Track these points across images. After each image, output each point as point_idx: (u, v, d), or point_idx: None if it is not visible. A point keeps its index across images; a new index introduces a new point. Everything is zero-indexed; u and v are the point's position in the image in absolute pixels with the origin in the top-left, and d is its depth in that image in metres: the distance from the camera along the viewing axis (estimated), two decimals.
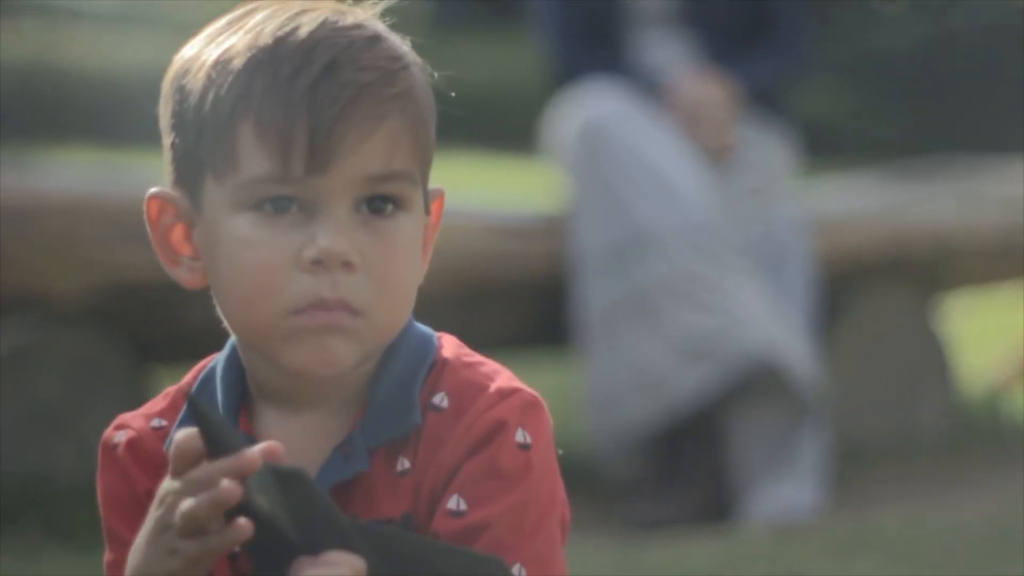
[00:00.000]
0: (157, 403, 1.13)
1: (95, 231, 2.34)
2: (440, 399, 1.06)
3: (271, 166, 1.02)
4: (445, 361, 1.08)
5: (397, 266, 1.06)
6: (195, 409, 0.96)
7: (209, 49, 1.06)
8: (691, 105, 3.20)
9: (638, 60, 3.35)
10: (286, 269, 1.02)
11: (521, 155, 4.19)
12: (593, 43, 3.38)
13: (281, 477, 0.95)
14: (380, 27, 1.09)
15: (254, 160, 1.02)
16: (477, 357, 1.10)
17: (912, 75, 11.87)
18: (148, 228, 1.09)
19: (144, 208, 1.09)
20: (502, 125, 9.81)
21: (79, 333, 2.37)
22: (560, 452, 1.08)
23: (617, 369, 3.04)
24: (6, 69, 10.06)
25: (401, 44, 1.09)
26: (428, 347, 1.09)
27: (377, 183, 1.04)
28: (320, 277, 1.02)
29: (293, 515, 0.95)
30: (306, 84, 1.02)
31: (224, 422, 0.99)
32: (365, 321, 1.04)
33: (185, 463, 0.95)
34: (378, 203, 1.05)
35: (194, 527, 0.94)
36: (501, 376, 1.07)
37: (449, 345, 1.10)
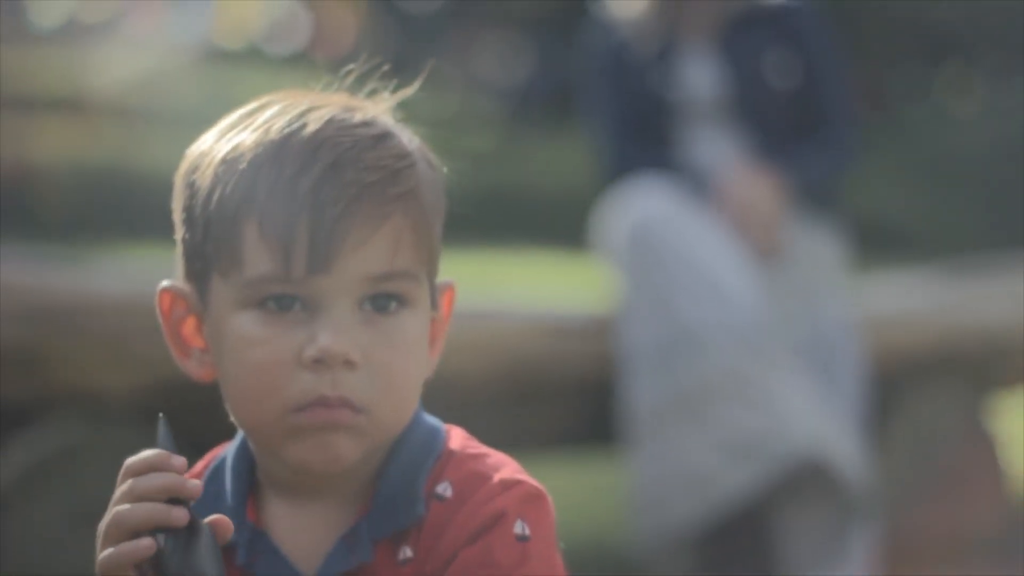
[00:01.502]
0: None
1: (146, 329, 2.40)
2: (444, 488, 1.07)
3: (274, 265, 1.04)
4: (451, 453, 1.10)
5: (400, 363, 1.07)
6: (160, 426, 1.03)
7: (219, 145, 1.08)
8: (740, 203, 3.21)
9: (687, 156, 3.36)
10: (289, 367, 1.04)
11: (578, 253, 4.24)
12: (642, 141, 3.40)
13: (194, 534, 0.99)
14: (389, 123, 1.10)
15: (258, 259, 1.04)
16: (483, 449, 1.11)
17: (982, 176, 11.85)
18: (160, 320, 1.12)
19: (156, 301, 1.11)
20: (563, 222, 9.90)
21: (127, 431, 2.40)
22: (562, 546, 1.08)
23: (665, 468, 3.02)
24: (82, 169, 10.26)
25: (410, 141, 1.11)
26: (435, 440, 1.11)
27: (379, 282, 1.06)
28: (322, 375, 1.03)
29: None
30: (309, 184, 1.03)
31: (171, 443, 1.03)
32: (368, 418, 1.05)
33: (140, 469, 1.01)
34: (381, 301, 1.06)
35: (117, 534, 0.99)
36: (506, 468, 1.08)
37: (456, 437, 1.12)
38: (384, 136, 1.08)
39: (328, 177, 1.03)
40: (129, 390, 2.47)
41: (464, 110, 16.85)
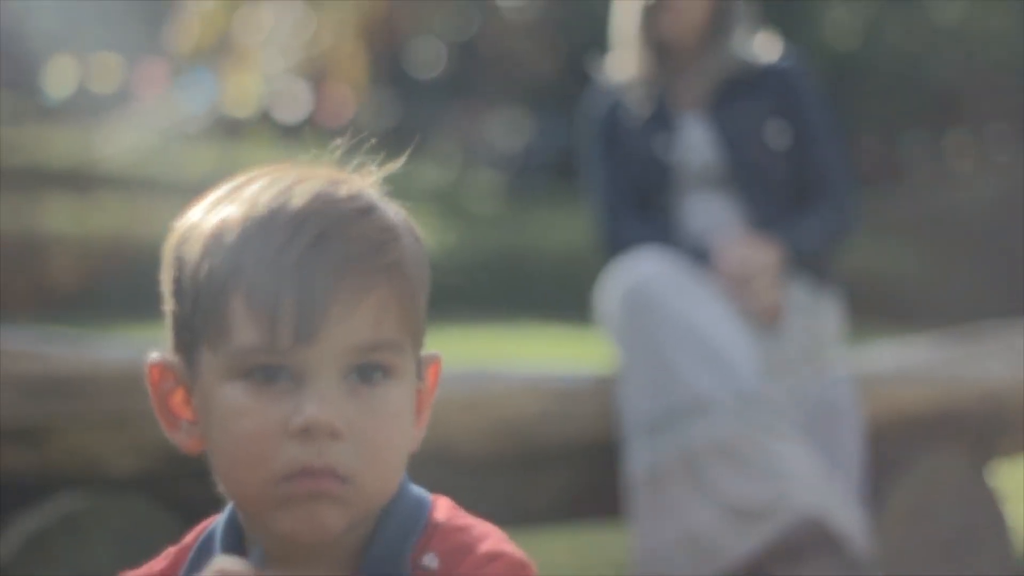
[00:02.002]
0: (158, 563, 1.17)
1: (148, 401, 2.42)
2: (430, 559, 1.08)
3: (261, 336, 1.05)
4: (437, 524, 1.11)
5: (385, 434, 1.08)
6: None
7: (206, 218, 1.10)
8: (738, 270, 3.21)
9: (684, 222, 3.37)
10: (275, 438, 1.05)
11: (580, 318, 4.24)
12: (639, 210, 3.41)
13: None
14: (374, 197, 1.12)
15: (244, 330, 1.05)
16: (470, 520, 1.12)
17: (981, 231, 11.90)
18: (150, 392, 1.13)
19: (146, 372, 1.13)
20: (565, 286, 9.93)
21: (129, 501, 2.42)
22: None
23: (665, 532, 3.01)
24: (88, 241, 10.29)
25: (395, 214, 1.13)
26: (421, 511, 1.12)
27: (364, 353, 1.07)
28: (308, 445, 1.04)
29: None
30: (295, 257, 1.04)
31: None
32: (353, 488, 1.06)
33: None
34: (366, 372, 1.07)
35: None
36: (491, 539, 1.09)
37: (442, 508, 1.13)
38: (369, 209, 1.10)
39: (314, 250, 1.05)
40: (131, 461, 2.49)
41: (465, 177, 16.93)
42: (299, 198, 1.07)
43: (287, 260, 1.05)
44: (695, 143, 3.39)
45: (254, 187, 1.10)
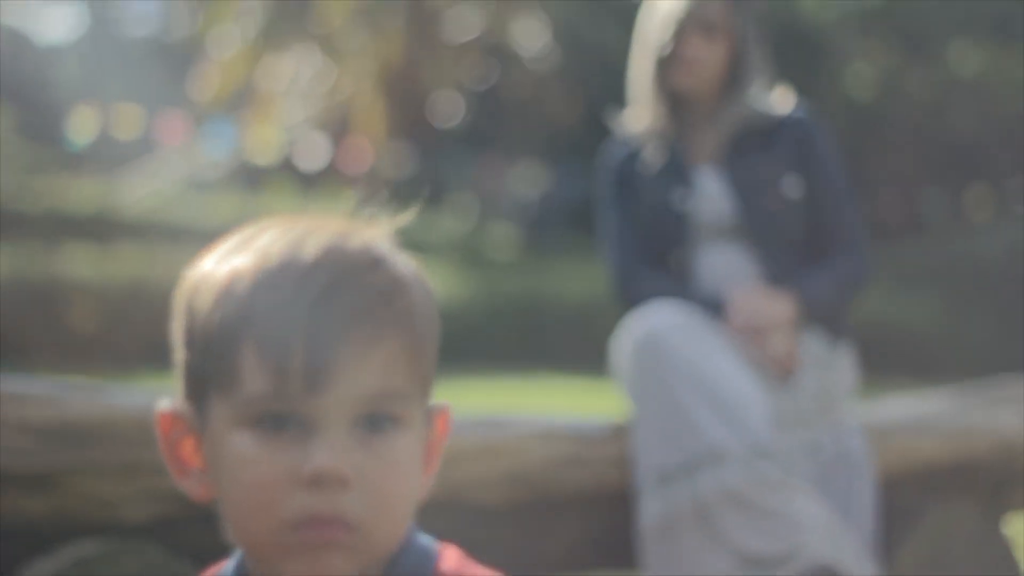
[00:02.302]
0: None
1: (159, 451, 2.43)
2: None
3: (270, 386, 1.06)
4: (444, 574, 1.12)
5: (394, 483, 1.09)
6: None
7: (218, 268, 1.11)
8: (752, 322, 3.22)
9: (699, 276, 3.38)
10: (284, 486, 1.06)
11: (600, 374, 4.23)
12: (654, 262, 3.42)
13: None
14: (385, 248, 1.14)
15: (254, 379, 1.06)
16: (478, 570, 1.13)
17: (999, 282, 11.90)
18: (159, 440, 1.15)
19: (155, 421, 1.15)
20: (585, 343, 9.94)
21: (142, 547, 2.43)
22: None
23: None
24: (109, 290, 10.33)
25: (405, 265, 1.14)
26: (428, 560, 1.13)
27: (373, 403, 1.08)
28: (317, 494, 1.06)
29: None
30: (305, 308, 1.06)
31: None
32: (362, 536, 1.07)
33: None
34: (375, 421, 1.09)
35: None
36: None
37: (451, 558, 1.14)
38: (378, 261, 1.11)
39: (323, 301, 1.07)
40: (145, 508, 2.50)
41: (484, 227, 16.97)
42: (310, 249, 1.09)
43: (297, 311, 1.06)
44: (710, 195, 3.40)
45: (265, 237, 1.12)
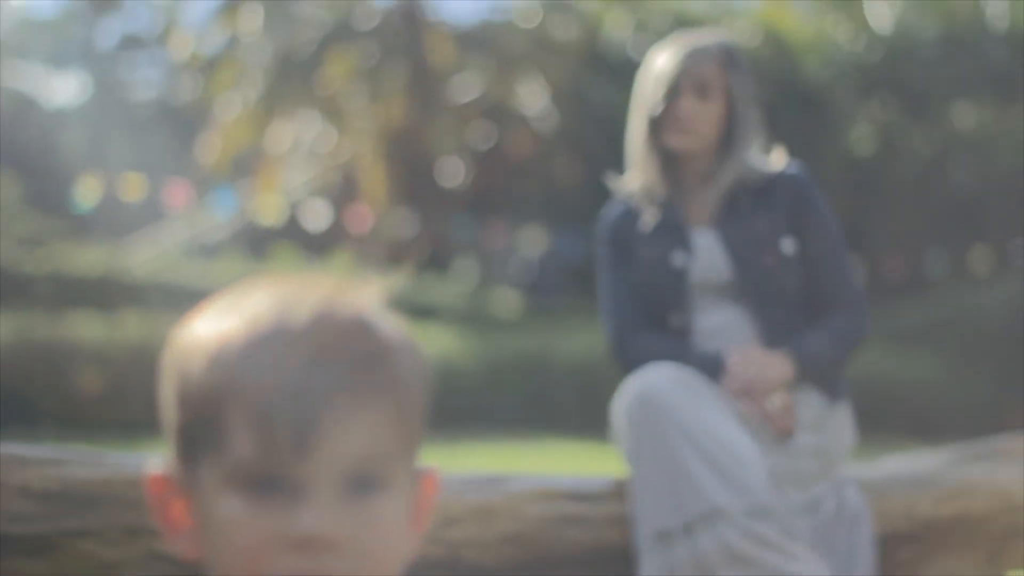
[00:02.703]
0: None
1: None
2: None
3: (258, 449, 1.07)
4: None
5: (380, 545, 1.10)
6: None
7: (207, 330, 1.12)
8: (749, 382, 3.22)
9: (696, 336, 3.38)
10: (271, 549, 1.06)
11: (601, 436, 4.21)
12: (650, 323, 3.43)
13: None
14: (374, 312, 1.14)
15: (242, 442, 1.07)
16: None
17: (1002, 339, 11.90)
18: (150, 502, 1.15)
19: (146, 482, 1.16)
20: (587, 404, 9.94)
21: None
22: None
23: None
24: (114, 353, 10.35)
25: (393, 329, 1.15)
26: None
27: (360, 466, 1.09)
28: (304, 557, 1.06)
29: None
30: (292, 371, 1.07)
31: None
32: None
33: None
34: (362, 484, 1.09)
35: None
36: None
37: None
38: (366, 326, 1.12)
39: (311, 366, 1.08)
40: (144, 570, 2.52)
41: (485, 289, 17.00)
42: (298, 313, 1.10)
43: (285, 375, 1.07)
44: (706, 255, 3.41)
45: (254, 300, 1.13)
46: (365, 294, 1.16)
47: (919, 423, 10.52)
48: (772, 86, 18.58)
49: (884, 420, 10.22)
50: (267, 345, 1.09)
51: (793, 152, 3.58)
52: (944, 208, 17.27)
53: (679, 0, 22.58)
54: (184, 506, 1.14)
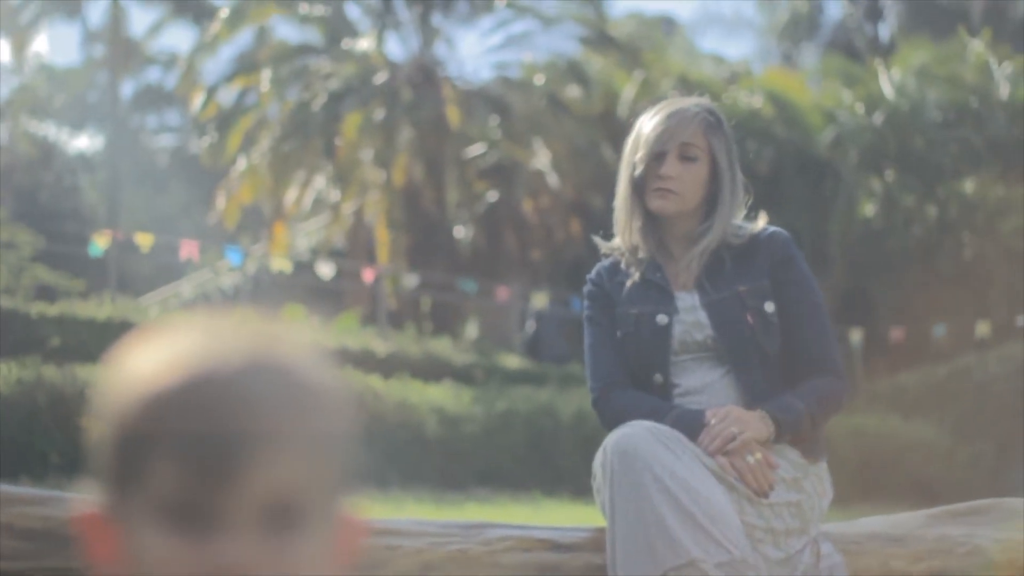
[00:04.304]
0: None
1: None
2: None
3: (180, 481, 1.09)
4: None
5: None
6: None
7: (136, 368, 1.15)
8: (727, 439, 3.22)
9: (676, 395, 3.41)
10: None
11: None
12: (632, 381, 3.46)
13: None
14: (303, 356, 1.17)
15: (164, 477, 1.10)
16: None
17: (1003, 399, 11.91)
18: (81, 539, 1.17)
19: (76, 521, 1.18)
20: (588, 463, 10.00)
21: None
22: None
23: None
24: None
25: (321, 373, 1.17)
26: None
27: (279, 501, 1.11)
28: None
29: None
30: (218, 409, 1.10)
31: None
32: None
33: None
34: (281, 521, 1.11)
35: None
36: None
37: None
38: (294, 369, 1.15)
39: (236, 404, 1.11)
40: None
41: (486, 346, 17.01)
42: (227, 354, 1.13)
43: (211, 412, 1.10)
44: (688, 316, 3.45)
45: (184, 339, 1.15)
46: (296, 337, 1.19)
47: (920, 487, 10.53)
48: (778, 151, 18.67)
49: (886, 483, 10.22)
50: (194, 384, 1.11)
51: (799, 217, 3.64)
52: (949, 275, 17.31)
53: (687, 64, 22.76)
54: (113, 543, 1.15)
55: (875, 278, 17.72)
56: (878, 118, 19.55)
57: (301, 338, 1.19)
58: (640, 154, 3.48)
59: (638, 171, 3.48)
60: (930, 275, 17.50)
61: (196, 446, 1.09)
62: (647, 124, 3.51)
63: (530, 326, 17.93)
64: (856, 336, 15.56)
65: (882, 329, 16.37)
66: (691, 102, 3.56)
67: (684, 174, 3.46)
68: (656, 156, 3.47)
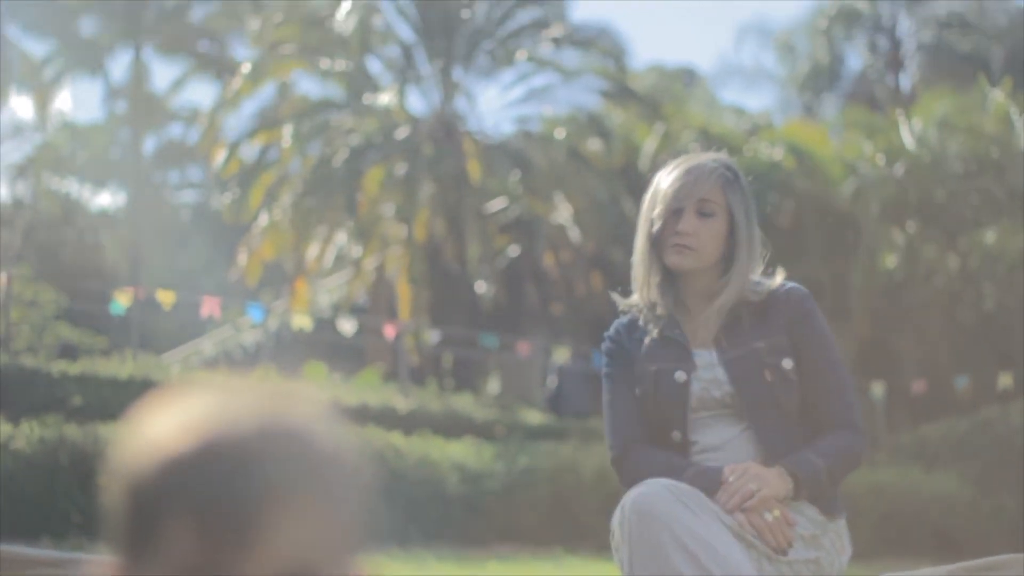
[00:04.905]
0: None
1: None
2: None
3: (197, 549, 1.10)
4: None
5: None
6: None
7: (151, 433, 1.16)
8: (745, 496, 3.22)
9: (695, 452, 3.41)
10: None
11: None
12: (650, 438, 3.46)
13: None
14: (317, 419, 1.18)
15: (182, 542, 1.11)
16: None
17: (1021, 450, 11.85)
18: None
19: None
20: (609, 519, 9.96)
21: None
22: None
23: None
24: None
25: (334, 437, 1.18)
26: None
27: (296, 569, 1.12)
28: None
29: None
30: (231, 474, 1.11)
31: None
32: None
33: None
34: None
35: None
36: None
37: None
38: (307, 433, 1.17)
39: (252, 468, 1.12)
40: None
41: (507, 400, 17.02)
42: (241, 419, 1.15)
43: (227, 477, 1.11)
44: (706, 373, 3.44)
45: (199, 405, 1.17)
46: (311, 399, 1.20)
47: (943, 541, 10.46)
48: (799, 203, 18.69)
49: (908, 537, 10.18)
50: (209, 448, 1.13)
51: (820, 269, 3.64)
52: (970, 326, 17.26)
53: (708, 116, 22.82)
54: None
55: (896, 330, 17.69)
56: (899, 169, 19.57)
57: (317, 399, 1.20)
58: (658, 210, 3.49)
59: (656, 227, 3.48)
60: (952, 326, 17.47)
61: (211, 510, 1.10)
62: (664, 180, 3.52)
63: (551, 381, 17.93)
64: (878, 388, 15.53)
65: (904, 381, 16.35)
66: (708, 157, 3.57)
67: (702, 230, 3.46)
68: (674, 212, 3.47)
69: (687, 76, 35.11)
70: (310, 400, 1.20)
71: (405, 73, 21.93)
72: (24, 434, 9.85)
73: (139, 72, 28.69)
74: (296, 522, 1.12)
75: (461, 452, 12.46)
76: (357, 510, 1.19)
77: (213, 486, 1.11)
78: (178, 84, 31.18)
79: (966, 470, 12.11)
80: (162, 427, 1.16)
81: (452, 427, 13.68)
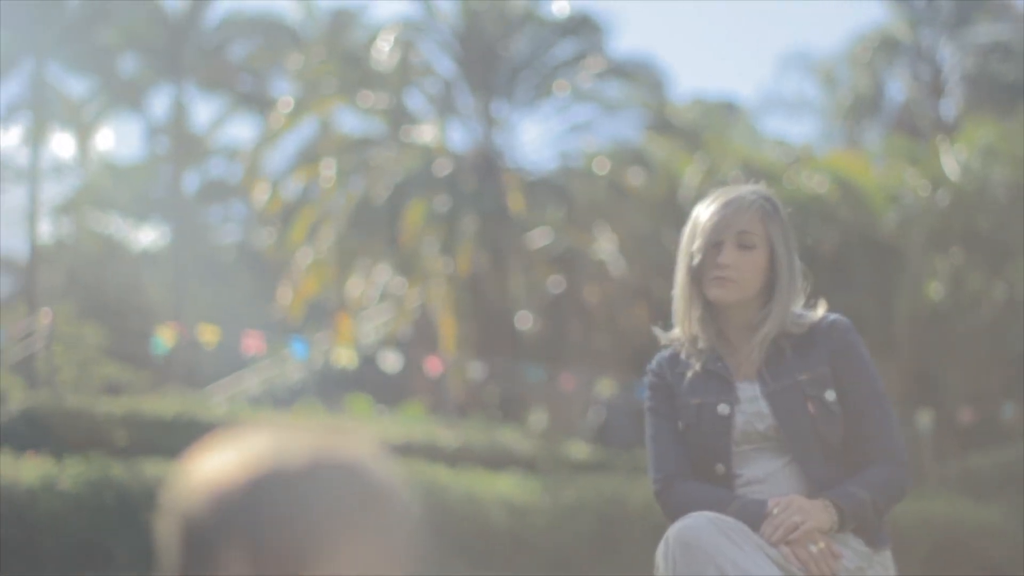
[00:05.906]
0: None
1: None
2: None
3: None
4: None
5: None
6: None
7: (209, 470, 1.22)
8: (790, 528, 3.21)
9: (738, 485, 3.40)
10: None
11: None
12: (694, 471, 3.45)
13: None
14: (365, 459, 1.24)
15: (233, 574, 1.15)
16: None
17: None
18: None
19: None
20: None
21: None
22: None
23: None
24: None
25: (383, 474, 1.24)
26: None
27: None
28: None
29: None
30: (288, 511, 1.16)
31: None
32: None
33: None
34: None
35: None
36: None
37: None
38: (357, 471, 1.22)
39: (305, 503, 1.17)
40: None
41: (554, 434, 17.02)
42: (295, 457, 1.20)
43: (278, 513, 1.17)
44: (749, 406, 3.44)
45: (254, 443, 1.23)
46: (357, 436, 1.25)
47: (991, 572, 10.37)
48: (842, 233, 18.63)
49: (957, 568, 10.10)
50: (263, 485, 1.18)
51: (865, 299, 3.62)
52: (1017, 354, 17.14)
53: (750, 148, 22.80)
54: None
55: (943, 359, 17.58)
56: (943, 198, 19.48)
57: (362, 435, 1.25)
58: (698, 243, 3.48)
59: (696, 260, 3.48)
60: (998, 355, 17.35)
61: (265, 545, 1.15)
62: (704, 213, 3.51)
63: (596, 413, 17.92)
64: (924, 418, 15.45)
65: (950, 410, 16.24)
66: (748, 189, 3.56)
67: (742, 262, 3.45)
68: (714, 245, 3.47)
69: (728, 108, 35.09)
70: (358, 436, 1.26)
71: (445, 107, 22.00)
72: (69, 473, 9.89)
73: (179, 109, 28.90)
74: (346, 556, 1.16)
75: (506, 486, 12.45)
76: (405, 544, 1.23)
77: (267, 521, 1.16)
78: (219, 121, 31.39)
79: (1014, 499, 12.01)
80: (217, 464, 1.21)
81: (497, 461, 13.66)
